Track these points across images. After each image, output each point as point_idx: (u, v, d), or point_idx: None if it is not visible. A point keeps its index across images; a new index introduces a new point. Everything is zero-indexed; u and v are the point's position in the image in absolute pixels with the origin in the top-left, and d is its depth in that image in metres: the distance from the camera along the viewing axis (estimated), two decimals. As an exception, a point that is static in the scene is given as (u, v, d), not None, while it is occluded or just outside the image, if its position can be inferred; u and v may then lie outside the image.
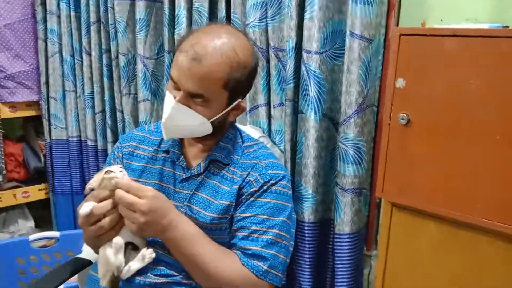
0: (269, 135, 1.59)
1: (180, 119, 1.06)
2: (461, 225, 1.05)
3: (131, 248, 1.06)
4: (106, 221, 1.01)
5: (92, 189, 1.03)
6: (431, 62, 1.03)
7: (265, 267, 1.06)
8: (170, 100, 1.06)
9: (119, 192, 0.99)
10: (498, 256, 1.02)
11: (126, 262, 1.04)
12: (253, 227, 1.08)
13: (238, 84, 1.06)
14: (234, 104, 1.10)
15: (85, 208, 0.99)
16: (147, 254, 1.04)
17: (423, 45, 1.04)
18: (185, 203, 1.13)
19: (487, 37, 0.95)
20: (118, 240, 1.01)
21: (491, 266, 1.03)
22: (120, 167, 1.04)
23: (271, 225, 1.09)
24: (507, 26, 1.05)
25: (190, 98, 1.05)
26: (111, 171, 1.01)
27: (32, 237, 1.94)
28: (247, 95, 1.57)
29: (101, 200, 1.01)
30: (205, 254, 1.05)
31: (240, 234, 1.09)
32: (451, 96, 1.01)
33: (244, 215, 1.10)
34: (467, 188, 1.02)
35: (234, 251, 1.09)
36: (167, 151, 1.19)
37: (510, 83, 0.93)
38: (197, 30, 1.08)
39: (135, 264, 1.04)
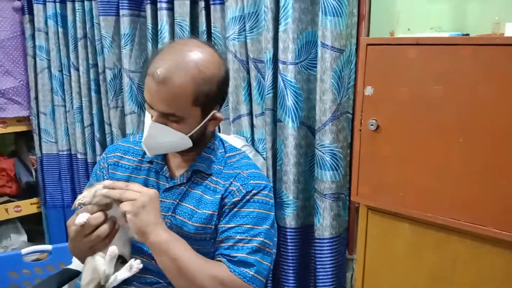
0: (253, 144, 1.63)
1: (159, 136, 1.09)
2: (432, 226, 1.09)
3: (120, 261, 1.09)
4: (102, 230, 1.04)
5: (81, 204, 1.05)
6: (396, 70, 1.07)
7: (251, 273, 1.08)
8: (148, 120, 1.09)
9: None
10: (468, 254, 1.05)
11: (113, 273, 1.06)
12: (238, 237, 1.10)
13: (208, 98, 1.07)
14: (209, 116, 1.12)
15: (81, 218, 1.01)
16: (135, 264, 1.06)
17: (389, 54, 1.08)
18: (170, 213, 1.15)
19: (447, 45, 1.00)
20: (114, 249, 1.04)
21: (462, 264, 1.07)
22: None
23: (256, 233, 1.11)
24: (467, 34, 1.10)
25: (165, 117, 1.07)
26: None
27: (24, 250, 1.95)
28: (230, 106, 1.62)
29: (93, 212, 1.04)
30: (195, 259, 1.07)
31: (226, 244, 1.11)
32: (416, 102, 1.05)
33: (228, 225, 1.12)
34: (434, 190, 1.05)
35: (220, 258, 1.10)
36: (150, 162, 1.22)
37: (468, 88, 0.98)
38: (161, 51, 1.09)
39: (122, 274, 1.06)
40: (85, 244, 1.05)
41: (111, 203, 1.07)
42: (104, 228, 1.05)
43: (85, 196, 1.05)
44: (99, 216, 1.04)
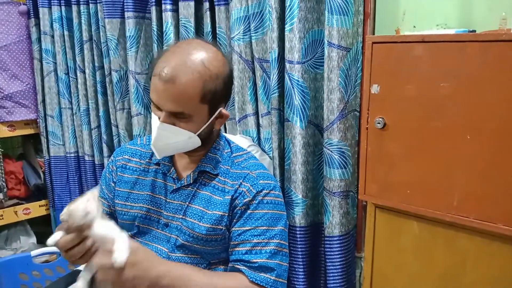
0: (259, 144, 1.63)
1: (168, 137, 1.09)
2: (441, 223, 1.09)
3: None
4: (74, 251, 0.97)
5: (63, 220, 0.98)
6: (403, 67, 1.07)
7: (273, 278, 1.10)
8: (155, 121, 1.10)
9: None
10: (477, 252, 1.05)
11: None
12: (255, 240, 1.11)
13: (215, 95, 1.08)
14: (216, 113, 1.13)
15: (52, 238, 0.96)
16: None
17: (395, 51, 1.08)
18: (180, 216, 1.16)
19: (453, 41, 0.99)
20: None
21: (472, 262, 1.06)
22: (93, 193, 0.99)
23: (271, 235, 1.12)
24: (474, 30, 1.09)
25: (173, 116, 1.08)
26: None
27: (34, 252, 1.96)
28: (236, 105, 1.62)
29: (69, 232, 0.97)
30: (209, 282, 1.08)
31: (243, 249, 1.11)
32: (423, 99, 1.05)
33: (243, 228, 1.12)
34: (442, 187, 1.05)
35: (240, 266, 1.11)
36: (158, 164, 1.23)
37: (476, 85, 0.97)
38: (167, 51, 1.10)
39: None
40: (67, 258, 1.00)
41: (90, 223, 0.97)
42: (77, 250, 0.97)
43: (64, 213, 0.96)
44: (70, 239, 0.96)
